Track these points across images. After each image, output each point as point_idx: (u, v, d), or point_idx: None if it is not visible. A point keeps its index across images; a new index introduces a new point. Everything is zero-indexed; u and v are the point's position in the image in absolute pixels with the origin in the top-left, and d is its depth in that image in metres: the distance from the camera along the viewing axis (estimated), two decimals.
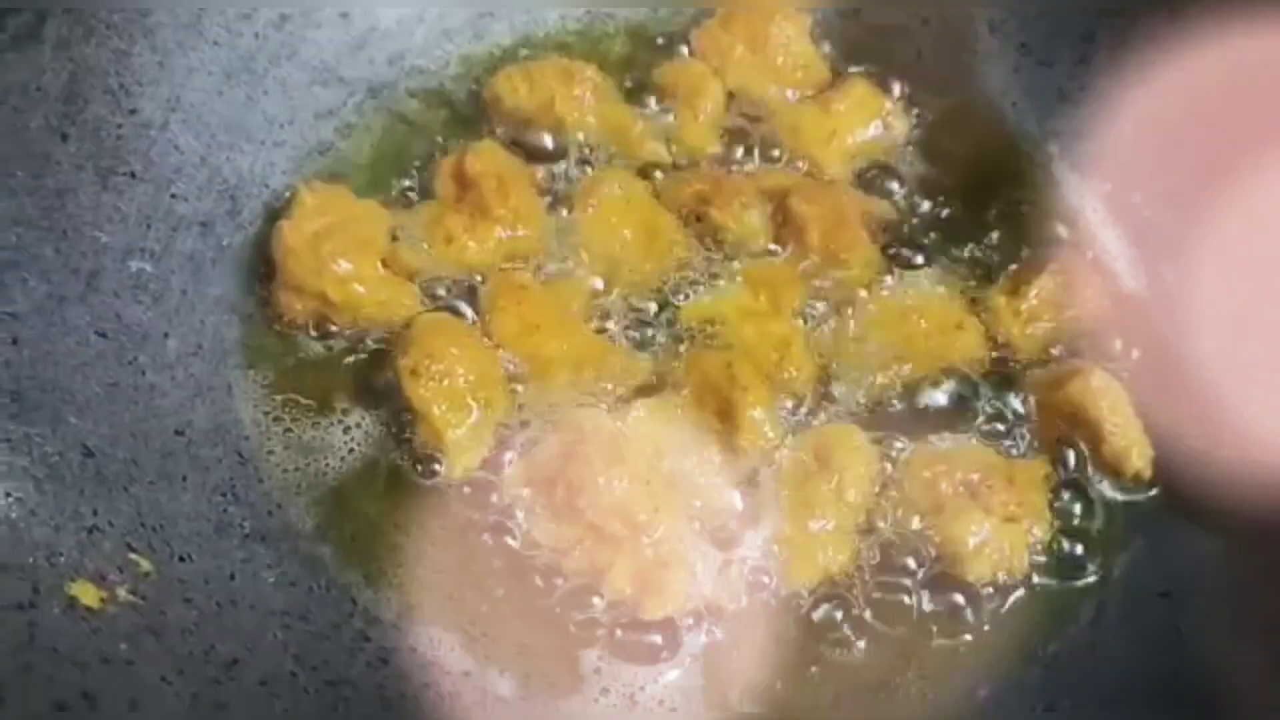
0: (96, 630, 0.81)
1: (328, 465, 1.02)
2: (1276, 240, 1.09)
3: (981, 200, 1.19)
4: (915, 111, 1.25)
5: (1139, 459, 1.03)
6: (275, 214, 1.12)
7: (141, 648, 0.82)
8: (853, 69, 1.27)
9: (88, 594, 0.82)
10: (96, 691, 0.77)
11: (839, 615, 0.97)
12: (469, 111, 1.22)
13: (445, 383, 1.00)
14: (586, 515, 0.96)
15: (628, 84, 1.24)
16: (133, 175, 1.05)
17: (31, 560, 0.82)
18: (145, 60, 1.08)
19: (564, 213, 1.14)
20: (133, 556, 0.88)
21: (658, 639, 0.95)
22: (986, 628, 0.97)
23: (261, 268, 1.10)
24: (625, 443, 1.00)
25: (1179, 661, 0.94)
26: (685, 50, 1.27)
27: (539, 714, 0.92)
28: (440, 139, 1.20)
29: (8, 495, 0.85)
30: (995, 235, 1.17)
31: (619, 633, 0.95)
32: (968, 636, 0.97)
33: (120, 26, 1.06)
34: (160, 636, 0.84)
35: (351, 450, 1.02)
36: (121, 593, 0.84)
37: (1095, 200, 1.20)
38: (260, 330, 1.08)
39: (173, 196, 1.08)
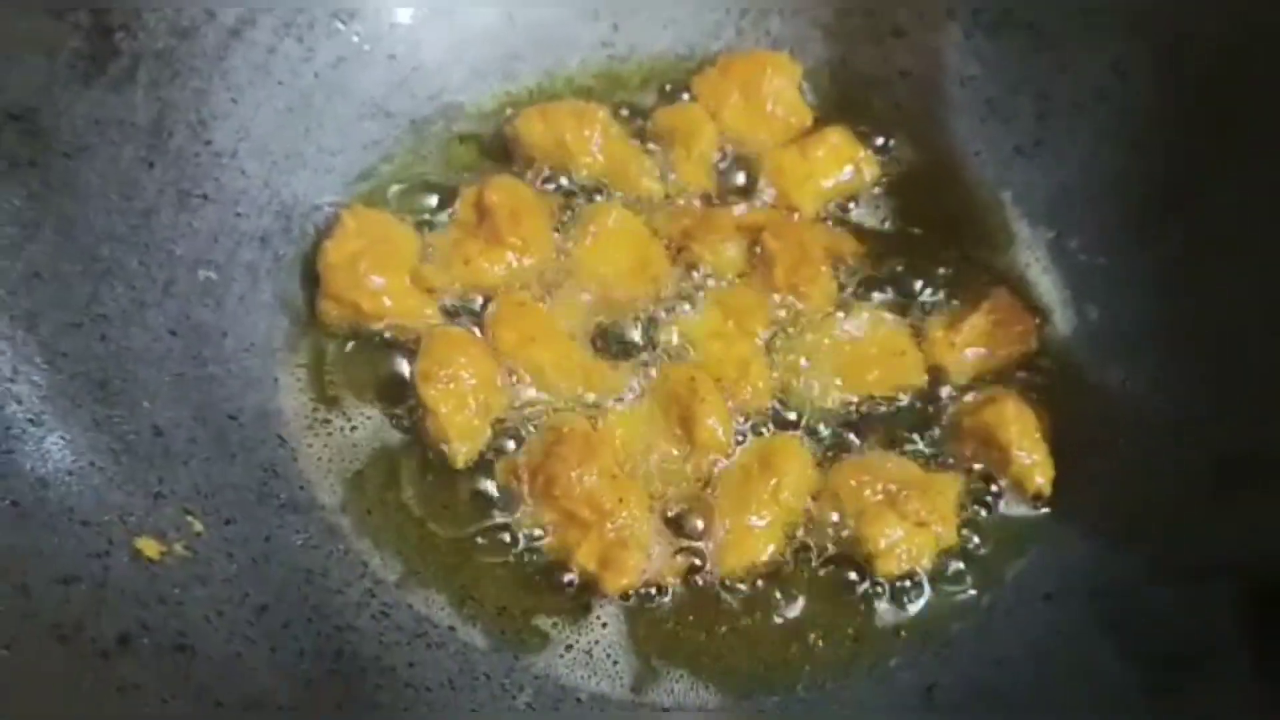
0: (155, 577, 1.00)
1: (351, 450, 1.20)
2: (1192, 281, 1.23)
3: (937, 241, 1.34)
4: (887, 158, 1.40)
5: (1041, 477, 1.18)
6: (323, 231, 1.30)
7: (190, 592, 1.01)
8: (835, 117, 1.42)
9: (150, 548, 1.01)
10: (153, 625, 0.96)
11: (759, 596, 1.14)
12: (494, 145, 1.40)
13: (453, 386, 1.18)
14: (561, 502, 1.14)
15: (636, 125, 1.41)
16: (205, 197, 1.23)
17: (107, 518, 1.01)
18: (221, 98, 1.25)
19: (567, 240, 1.32)
20: (188, 519, 1.06)
21: (611, 607, 1.14)
22: (888, 616, 1.14)
23: (307, 278, 1.28)
24: (599, 442, 1.18)
25: (1050, 653, 1.09)
26: (687, 94, 1.43)
27: (509, 665, 1.11)
28: (468, 169, 1.38)
29: (91, 464, 1.04)
30: (944, 273, 1.32)
31: (582, 601, 1.14)
32: (872, 621, 1.14)
33: (201, 69, 1.24)
34: (206, 584, 1.02)
35: (372, 438, 1.21)
36: (178, 548, 1.03)
37: (1038, 246, 1.34)
38: (303, 332, 1.26)
39: (237, 215, 1.26)
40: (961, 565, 1.17)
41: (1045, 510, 1.19)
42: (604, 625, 1.12)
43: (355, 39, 1.37)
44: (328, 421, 1.22)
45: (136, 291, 1.16)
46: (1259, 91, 1.20)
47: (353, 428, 1.22)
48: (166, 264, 1.20)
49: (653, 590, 1.14)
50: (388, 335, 1.26)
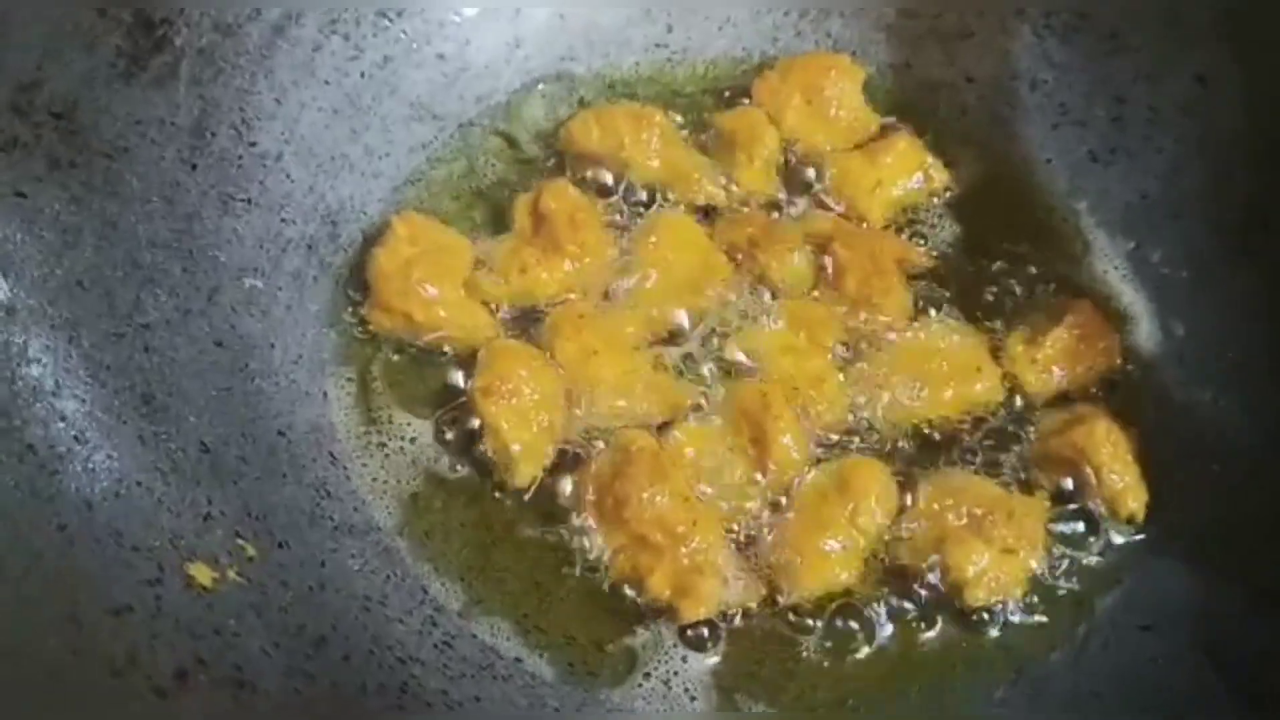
0: (210, 606, 0.93)
1: (407, 469, 1.14)
2: None
3: (1009, 251, 1.29)
4: (955, 165, 1.34)
5: (1134, 502, 1.13)
6: (371, 237, 1.24)
7: (246, 622, 0.94)
8: (900, 122, 1.37)
9: (203, 574, 0.95)
10: (209, 659, 0.89)
11: (843, 627, 1.08)
12: (547, 149, 1.34)
13: (513, 401, 1.12)
14: (631, 525, 1.08)
15: (692, 128, 1.36)
16: (249, 201, 1.18)
17: (157, 543, 0.94)
18: (265, 98, 1.20)
19: (626, 248, 1.26)
20: (240, 542, 1.00)
21: (689, 636, 1.07)
22: (979, 649, 1.08)
23: (356, 286, 1.22)
24: (668, 461, 1.12)
25: (1154, 688, 1.03)
26: (746, 99, 1.37)
27: (579, 698, 1.05)
28: (519, 174, 1.33)
29: (139, 484, 0.98)
30: (1020, 285, 1.27)
31: (655, 630, 1.08)
32: (962, 655, 1.08)
33: (244, 67, 1.18)
34: (261, 614, 0.96)
35: (428, 456, 1.15)
36: (231, 574, 0.97)
37: (1117, 257, 1.29)
38: (353, 343, 1.21)
39: (283, 220, 1.20)
40: (1051, 594, 1.11)
41: (1138, 536, 1.13)
42: (683, 659, 1.06)
43: (403, 37, 1.31)
44: (381, 438, 1.16)
45: (180, 300, 1.11)
46: None
47: (407, 444, 1.16)
48: (211, 271, 1.14)
49: (728, 618, 1.08)
50: (442, 348, 1.20)
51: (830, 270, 1.25)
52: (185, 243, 1.13)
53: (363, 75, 1.29)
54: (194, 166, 1.15)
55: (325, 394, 1.18)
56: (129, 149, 1.10)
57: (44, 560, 0.88)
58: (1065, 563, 1.13)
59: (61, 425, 0.96)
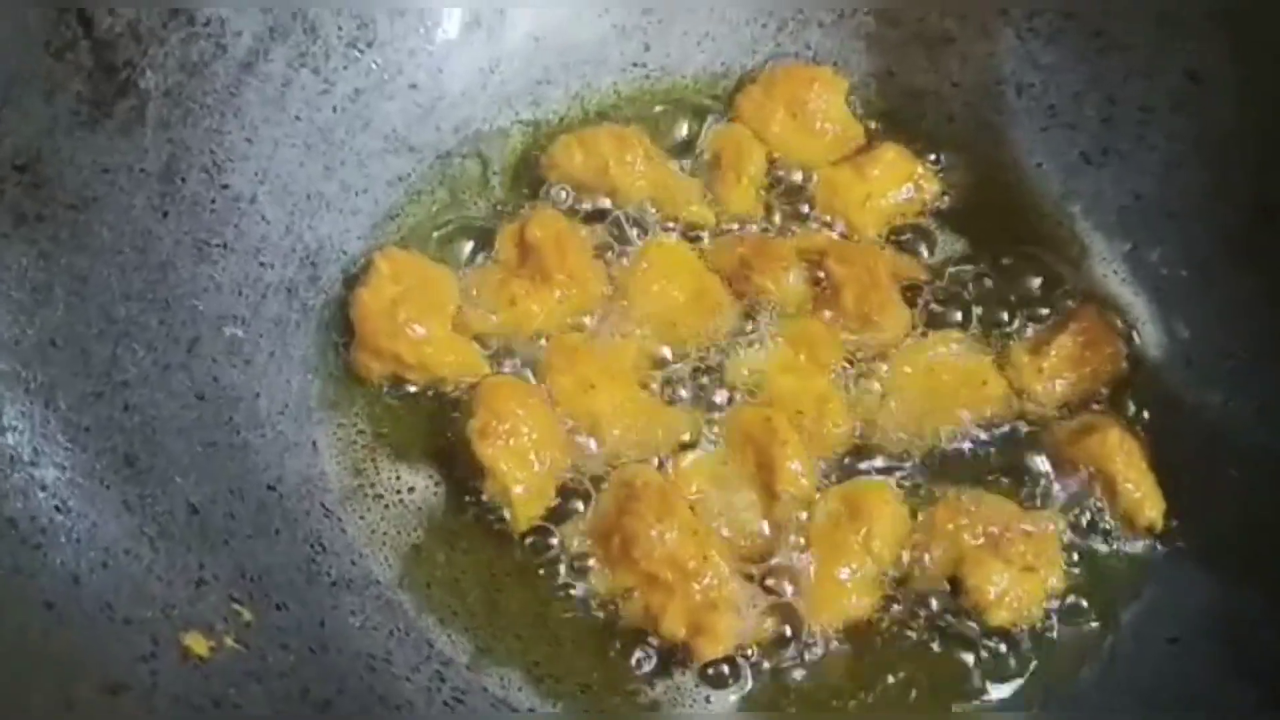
0: (208, 676, 0.89)
1: (403, 518, 1.10)
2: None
3: (1006, 259, 1.26)
4: (945, 173, 1.31)
5: (1152, 511, 1.10)
6: (352, 277, 1.20)
7: (247, 692, 0.90)
8: (886, 132, 1.34)
9: (199, 644, 0.90)
10: None
11: (865, 657, 1.05)
12: (528, 175, 1.30)
13: (511, 441, 1.08)
14: (641, 565, 1.04)
15: (675, 148, 1.32)
16: (225, 246, 1.13)
17: (149, 614, 0.90)
18: (235, 138, 1.15)
19: (617, 275, 1.22)
20: (235, 607, 0.96)
21: (709, 675, 1.04)
22: (1003, 671, 1.06)
23: (340, 329, 1.18)
24: (674, 495, 1.09)
25: (1188, 703, 1.01)
26: (727, 116, 1.34)
27: None
28: (502, 201, 1.29)
29: (126, 553, 0.93)
30: (1019, 293, 1.24)
31: (672, 673, 1.04)
32: (986, 680, 1.05)
33: (213, 107, 1.13)
34: (262, 681, 0.92)
35: (425, 502, 1.11)
36: (228, 641, 0.93)
37: (1115, 259, 1.26)
38: (341, 389, 1.16)
39: (260, 264, 1.16)
40: (1073, 611, 1.08)
41: (1158, 547, 1.11)
42: (706, 699, 1.03)
43: (374, 68, 1.27)
44: (375, 487, 1.12)
45: (159, 354, 1.07)
46: None
47: (403, 492, 1.12)
48: (189, 322, 1.10)
49: (748, 655, 1.05)
50: (433, 387, 1.16)
51: (827, 287, 1.22)
52: (161, 293, 1.08)
53: (335, 109, 1.24)
54: (165, 214, 1.10)
55: (314, 443, 1.13)
56: (97, 199, 1.05)
57: (32, 640, 0.83)
58: (1084, 578, 1.10)
59: (42, 495, 0.92)
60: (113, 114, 1.07)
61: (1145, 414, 1.17)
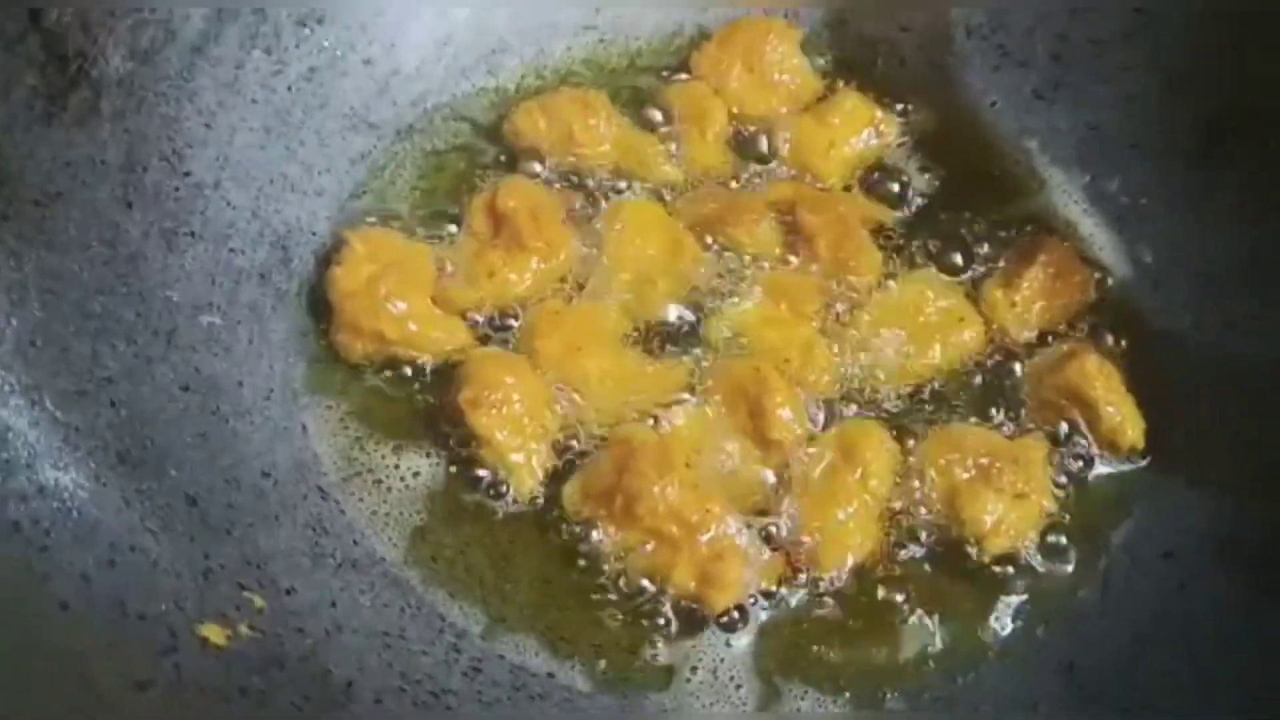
0: (229, 665, 0.88)
1: (401, 493, 1.10)
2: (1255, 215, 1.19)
3: (969, 199, 1.28)
4: (903, 117, 1.33)
5: (1133, 432, 1.13)
6: (324, 258, 1.19)
7: (270, 678, 0.89)
8: (842, 80, 1.35)
9: (215, 633, 0.89)
10: None
11: (865, 594, 1.07)
12: (492, 144, 1.30)
13: (504, 410, 1.09)
14: (645, 522, 1.05)
15: (635, 109, 1.32)
16: (193, 235, 1.12)
17: (164, 607, 0.89)
18: (193, 124, 1.13)
19: (591, 238, 1.22)
20: (246, 594, 0.95)
21: (715, 627, 1.05)
22: (1005, 597, 1.08)
23: (318, 311, 1.17)
24: (672, 451, 1.09)
25: (1186, 614, 1.04)
26: (685, 74, 1.34)
27: (620, 705, 1.02)
28: (467, 172, 1.28)
29: (132, 549, 0.92)
30: (985, 230, 1.26)
31: (681, 624, 1.05)
32: (989, 606, 1.08)
33: (167, 94, 1.11)
34: (284, 666, 0.91)
35: (422, 476, 1.10)
36: (243, 629, 0.92)
37: (1076, 191, 1.29)
38: (325, 370, 1.15)
39: (230, 251, 1.14)
40: (1066, 533, 1.11)
41: (1142, 465, 1.14)
42: (728, 644, 1.05)
43: (326, 45, 1.25)
44: (368, 465, 1.11)
45: (139, 347, 1.05)
46: None
47: (401, 469, 1.11)
48: (165, 313, 1.08)
49: (756, 602, 1.06)
50: (417, 363, 1.15)
51: (799, 237, 1.22)
52: (134, 285, 1.06)
53: (290, 89, 1.22)
54: (130, 205, 1.08)
55: (304, 427, 1.12)
56: (61, 194, 1.03)
57: (53, 641, 0.82)
58: (1073, 502, 1.12)
59: (43, 497, 0.90)
60: (68, 106, 1.05)
61: (1119, 340, 1.20)
